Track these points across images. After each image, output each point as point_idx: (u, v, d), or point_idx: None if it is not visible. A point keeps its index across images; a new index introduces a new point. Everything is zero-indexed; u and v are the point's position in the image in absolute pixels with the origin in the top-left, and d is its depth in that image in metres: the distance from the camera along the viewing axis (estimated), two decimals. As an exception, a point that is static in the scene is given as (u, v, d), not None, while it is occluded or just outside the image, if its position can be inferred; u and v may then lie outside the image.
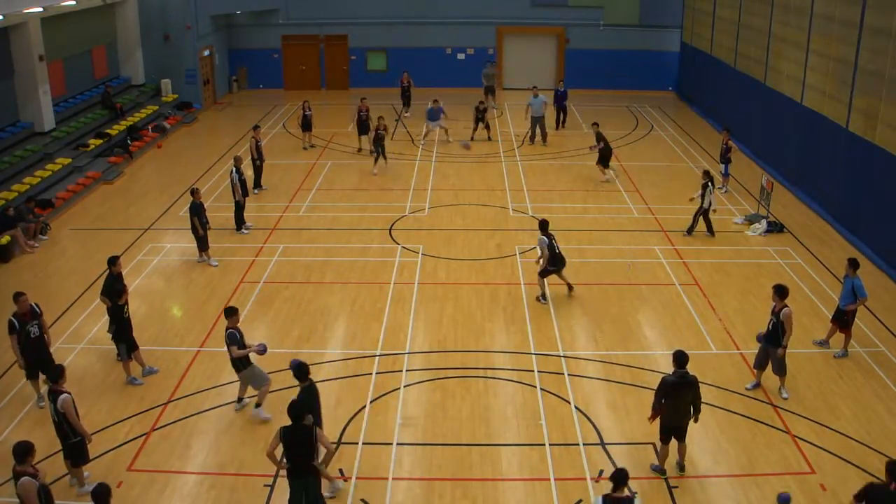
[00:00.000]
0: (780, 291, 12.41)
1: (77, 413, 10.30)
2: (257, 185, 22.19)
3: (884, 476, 10.76)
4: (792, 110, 22.65)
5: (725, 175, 22.30)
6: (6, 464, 10.67)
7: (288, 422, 9.45)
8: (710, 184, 18.53)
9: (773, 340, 12.40)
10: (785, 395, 12.57)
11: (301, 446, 9.32)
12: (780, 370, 12.53)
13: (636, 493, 9.18)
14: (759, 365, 12.81)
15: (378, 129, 23.89)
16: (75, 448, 10.37)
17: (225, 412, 12.26)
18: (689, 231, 18.96)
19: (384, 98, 31.81)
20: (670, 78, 35.32)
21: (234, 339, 11.72)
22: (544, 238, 15.46)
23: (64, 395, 10.17)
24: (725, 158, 22.02)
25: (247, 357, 11.97)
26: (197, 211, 17.10)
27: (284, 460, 9.43)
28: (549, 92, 29.56)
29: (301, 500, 9.48)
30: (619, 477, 8.65)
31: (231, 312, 12.03)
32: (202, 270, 17.28)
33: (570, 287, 15.94)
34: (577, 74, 34.48)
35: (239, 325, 12.06)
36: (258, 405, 12.10)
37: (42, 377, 12.16)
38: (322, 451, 9.57)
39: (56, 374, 10.39)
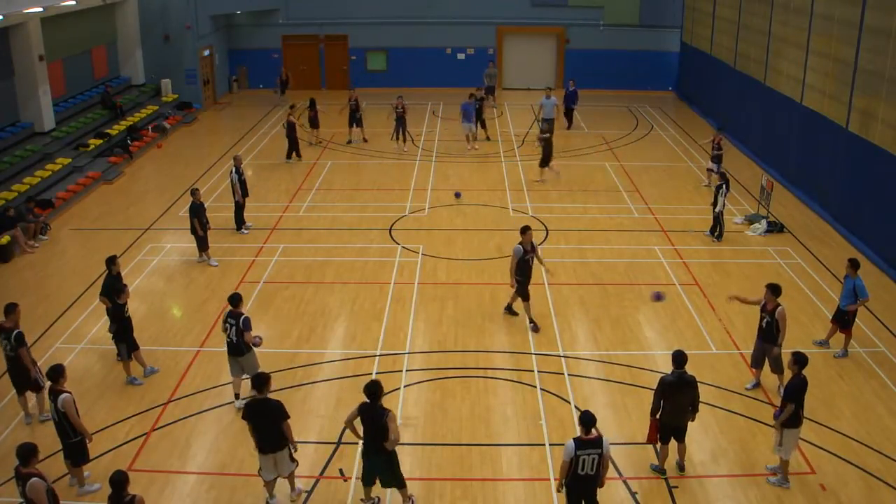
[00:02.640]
0: (775, 290, 12.39)
1: (77, 412, 10.30)
2: (298, 155, 24.83)
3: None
4: (792, 110, 22.65)
5: (718, 174, 22.40)
6: (6, 464, 10.71)
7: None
8: (724, 186, 18.42)
9: (769, 338, 12.40)
10: (748, 386, 12.59)
11: (372, 425, 9.50)
12: (778, 368, 12.53)
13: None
14: (756, 363, 12.79)
15: (397, 107, 25.84)
16: (76, 447, 10.37)
17: (225, 412, 12.26)
18: (720, 236, 18.67)
19: (385, 98, 31.80)
20: (670, 78, 35.32)
21: (249, 324, 12.06)
22: (519, 247, 14.33)
23: (64, 395, 10.18)
24: (717, 158, 22.11)
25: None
26: (197, 211, 17.10)
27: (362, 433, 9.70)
28: (557, 92, 29.45)
29: (373, 479, 9.81)
30: (587, 419, 9.09)
31: (240, 299, 12.21)
32: (202, 270, 17.28)
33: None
34: (577, 74, 34.32)
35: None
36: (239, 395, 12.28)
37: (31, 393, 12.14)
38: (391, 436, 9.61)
39: (56, 373, 10.38)
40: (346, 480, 10.73)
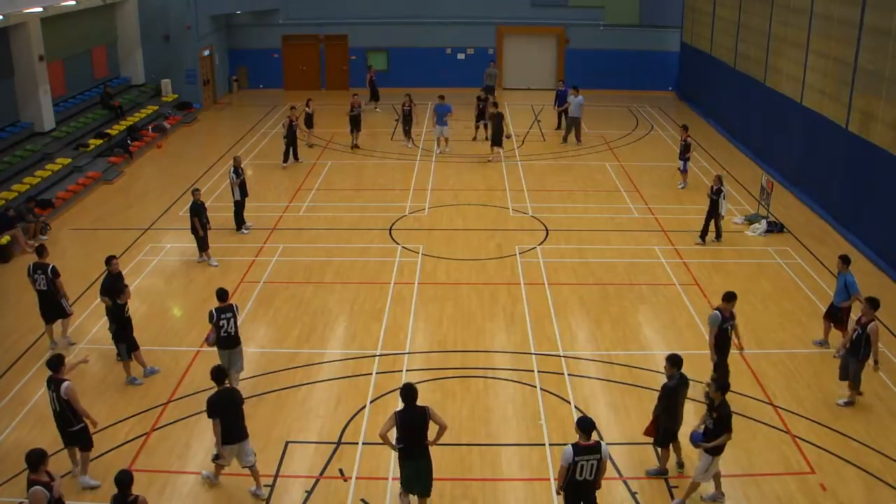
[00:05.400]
0: (873, 303, 12.14)
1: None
2: (295, 157, 24.53)
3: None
4: (792, 110, 22.65)
5: (684, 171, 22.50)
6: (6, 464, 10.72)
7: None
8: (722, 189, 18.25)
9: (855, 351, 12.16)
10: (840, 402, 12.43)
11: (414, 429, 9.43)
12: (854, 380, 12.33)
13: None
14: (843, 376, 12.51)
15: (405, 105, 26.21)
16: (79, 434, 10.41)
17: (225, 412, 12.26)
18: (718, 236, 18.59)
19: (385, 98, 31.84)
20: (670, 78, 35.32)
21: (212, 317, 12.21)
22: (717, 314, 12.03)
23: (67, 383, 10.23)
24: (685, 156, 22.18)
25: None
26: (197, 211, 17.11)
27: (396, 443, 9.54)
28: (550, 92, 29.54)
29: (413, 481, 9.69)
30: (585, 425, 8.94)
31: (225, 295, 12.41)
32: (202, 270, 17.28)
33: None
34: (577, 74, 34.44)
35: (239, 320, 12.34)
36: None
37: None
38: (435, 430, 9.55)
39: (56, 363, 10.40)
40: (346, 480, 10.73)
